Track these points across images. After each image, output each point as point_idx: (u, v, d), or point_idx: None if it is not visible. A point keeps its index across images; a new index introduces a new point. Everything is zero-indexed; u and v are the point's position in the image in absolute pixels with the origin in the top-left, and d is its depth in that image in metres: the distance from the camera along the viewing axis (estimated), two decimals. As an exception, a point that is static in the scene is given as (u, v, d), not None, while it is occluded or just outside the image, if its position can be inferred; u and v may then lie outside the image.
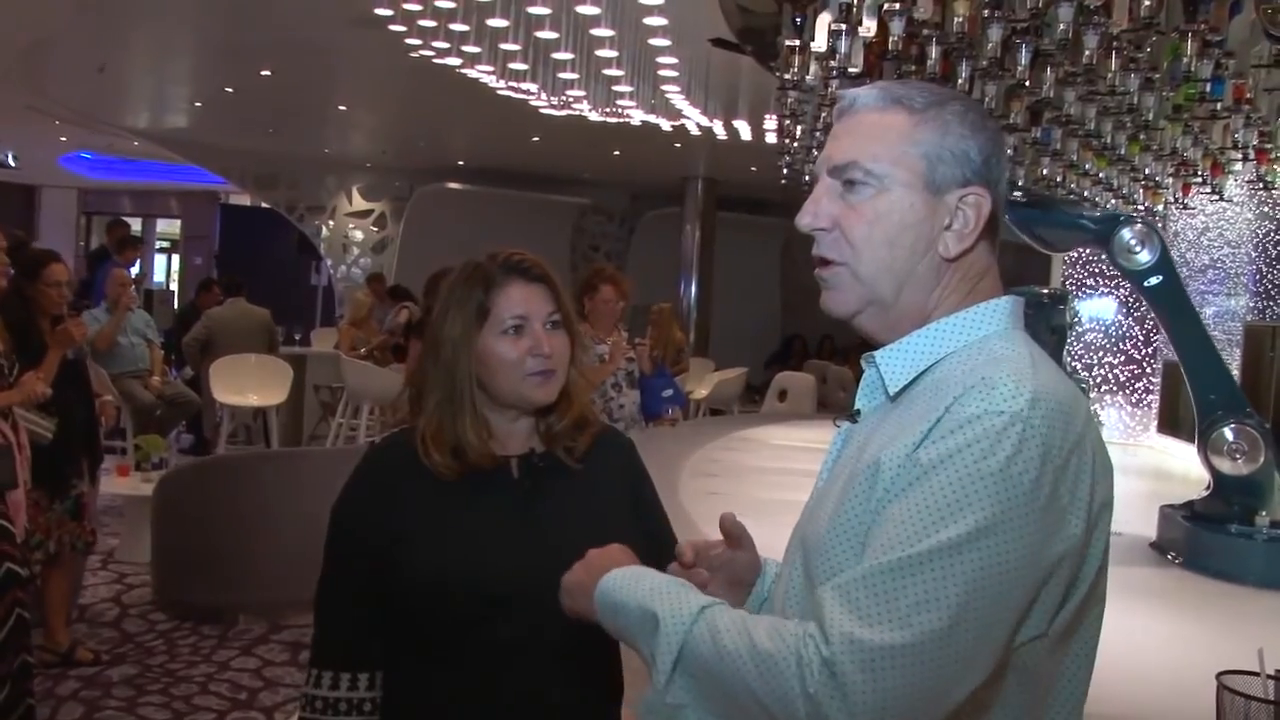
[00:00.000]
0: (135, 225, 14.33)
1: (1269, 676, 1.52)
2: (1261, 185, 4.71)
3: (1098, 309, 6.67)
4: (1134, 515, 3.43)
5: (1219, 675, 1.55)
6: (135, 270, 9.43)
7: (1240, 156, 4.22)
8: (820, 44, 3.05)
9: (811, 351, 14.30)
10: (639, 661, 1.93)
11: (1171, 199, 5.20)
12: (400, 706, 1.64)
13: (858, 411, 1.28)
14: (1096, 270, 6.69)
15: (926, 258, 1.19)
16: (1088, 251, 6.78)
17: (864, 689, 0.99)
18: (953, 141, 1.18)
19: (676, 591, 1.17)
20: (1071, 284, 6.74)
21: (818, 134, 4.37)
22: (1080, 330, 6.63)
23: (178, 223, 18.90)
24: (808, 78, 3.37)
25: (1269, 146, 4.09)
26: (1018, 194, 3.78)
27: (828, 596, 1.05)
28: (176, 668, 4.59)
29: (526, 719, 1.61)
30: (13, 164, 15.09)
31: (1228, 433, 3.24)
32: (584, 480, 1.70)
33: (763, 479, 4.31)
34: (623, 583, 1.22)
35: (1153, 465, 5.39)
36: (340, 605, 1.65)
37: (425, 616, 1.60)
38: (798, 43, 3.17)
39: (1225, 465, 3.27)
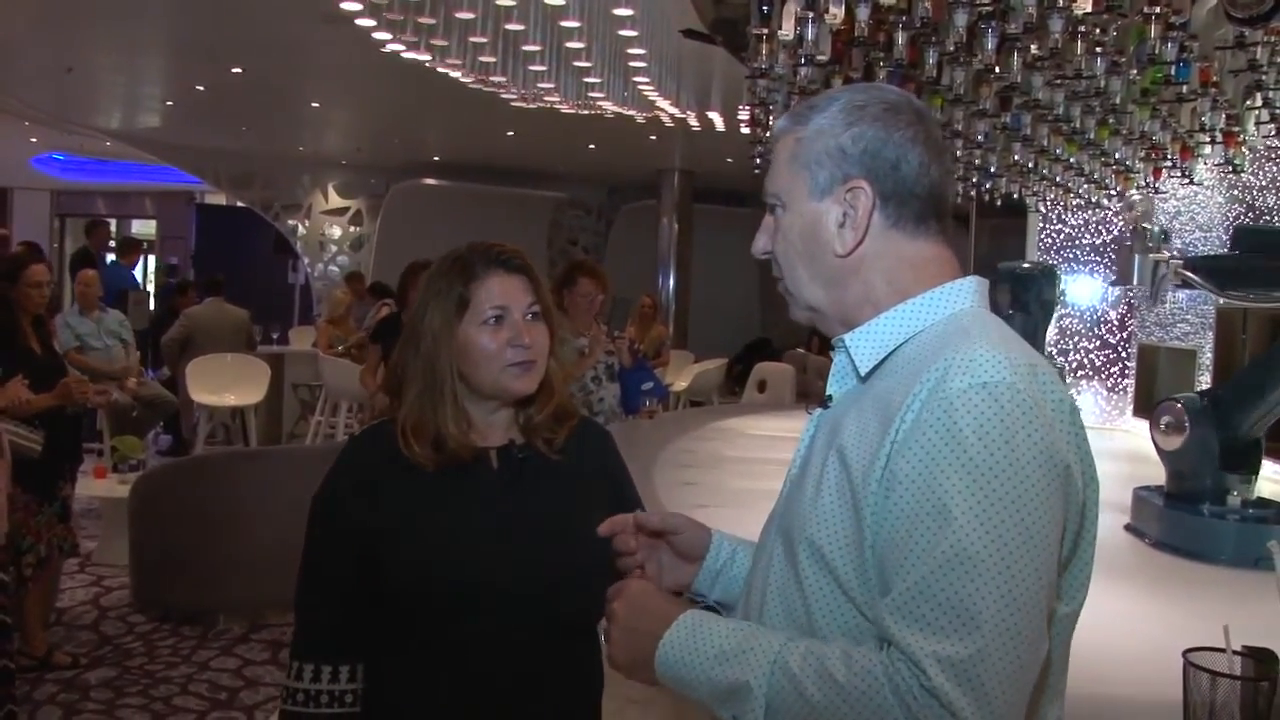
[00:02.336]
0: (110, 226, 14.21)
1: (1234, 653, 1.53)
2: (1231, 169, 4.73)
3: (1073, 294, 6.69)
4: (1110, 498, 3.45)
5: (1185, 653, 1.56)
6: (138, 271, 9.38)
7: (1208, 140, 4.24)
8: (788, 32, 3.06)
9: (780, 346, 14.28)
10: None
11: (1143, 183, 5.23)
12: (382, 698, 1.64)
13: (830, 397, 1.29)
14: (1071, 255, 6.72)
15: (830, 260, 1.24)
16: (1062, 236, 6.82)
17: (968, 702, 1.00)
18: (826, 142, 1.23)
19: (742, 650, 1.14)
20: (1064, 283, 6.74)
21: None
22: (1056, 315, 6.65)
23: (153, 223, 18.75)
24: (776, 66, 3.37)
25: (1236, 130, 4.11)
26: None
27: (891, 619, 1.05)
28: (156, 669, 4.57)
29: (509, 709, 1.61)
30: (-18, 166, 14.94)
31: (1161, 409, 3.29)
32: (563, 471, 1.70)
33: (738, 468, 4.31)
34: (682, 654, 1.18)
35: (1128, 449, 5.40)
36: (321, 597, 1.64)
37: (406, 608, 1.60)
38: (765, 31, 3.17)
39: (1160, 441, 3.33)
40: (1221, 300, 4.28)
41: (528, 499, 1.66)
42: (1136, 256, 4.87)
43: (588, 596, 1.66)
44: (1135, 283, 5.25)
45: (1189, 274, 3.81)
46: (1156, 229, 5.42)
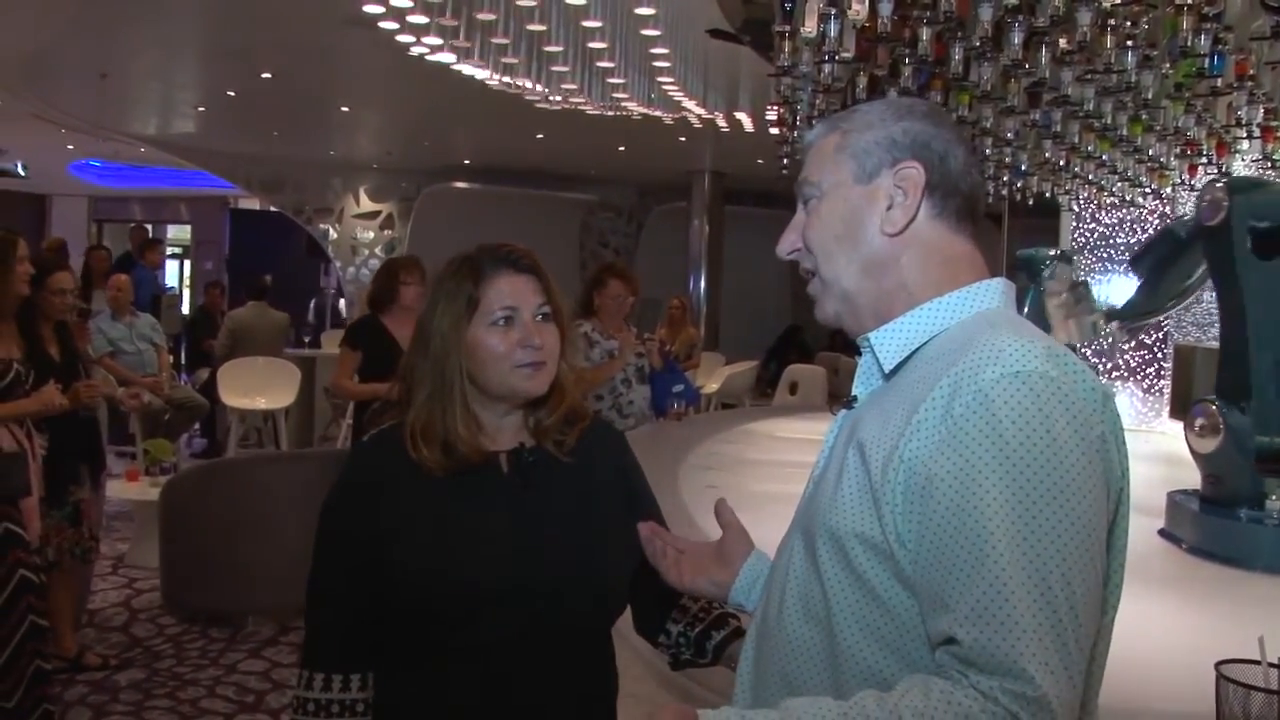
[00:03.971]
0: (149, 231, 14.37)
1: (1270, 665, 1.48)
2: (1269, 164, 4.64)
3: (1108, 294, 6.59)
4: (1144, 502, 3.38)
5: (1218, 664, 1.50)
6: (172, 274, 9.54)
7: (1245, 135, 4.16)
8: (810, 29, 3.01)
9: (813, 344, 14.22)
10: (631, 655, 1.90)
11: (1178, 180, 5.13)
12: (393, 706, 1.62)
13: (854, 398, 1.29)
14: (1105, 255, 6.62)
15: (875, 241, 1.24)
16: (1096, 235, 6.72)
17: (1058, 693, 1.00)
18: (876, 134, 1.25)
19: None
20: (1083, 272, 6.64)
21: (814, 122, 4.33)
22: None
23: (188, 228, 18.97)
24: (800, 64, 3.32)
25: (1275, 124, 4.02)
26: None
27: (972, 634, 1.02)
28: (184, 671, 4.59)
29: (522, 715, 1.58)
30: (22, 173, 15.16)
31: (1195, 411, 3.23)
32: (575, 474, 1.67)
33: (764, 471, 4.28)
34: None
35: (1165, 451, 5.30)
36: (331, 605, 1.62)
37: (417, 615, 1.58)
38: (788, 28, 3.13)
39: (1195, 444, 3.26)
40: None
41: (539, 502, 1.63)
42: (1072, 322, 4.70)
43: (601, 600, 1.64)
44: (1079, 345, 5.10)
45: (1123, 325, 3.86)
46: (1082, 285, 5.22)
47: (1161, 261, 3.90)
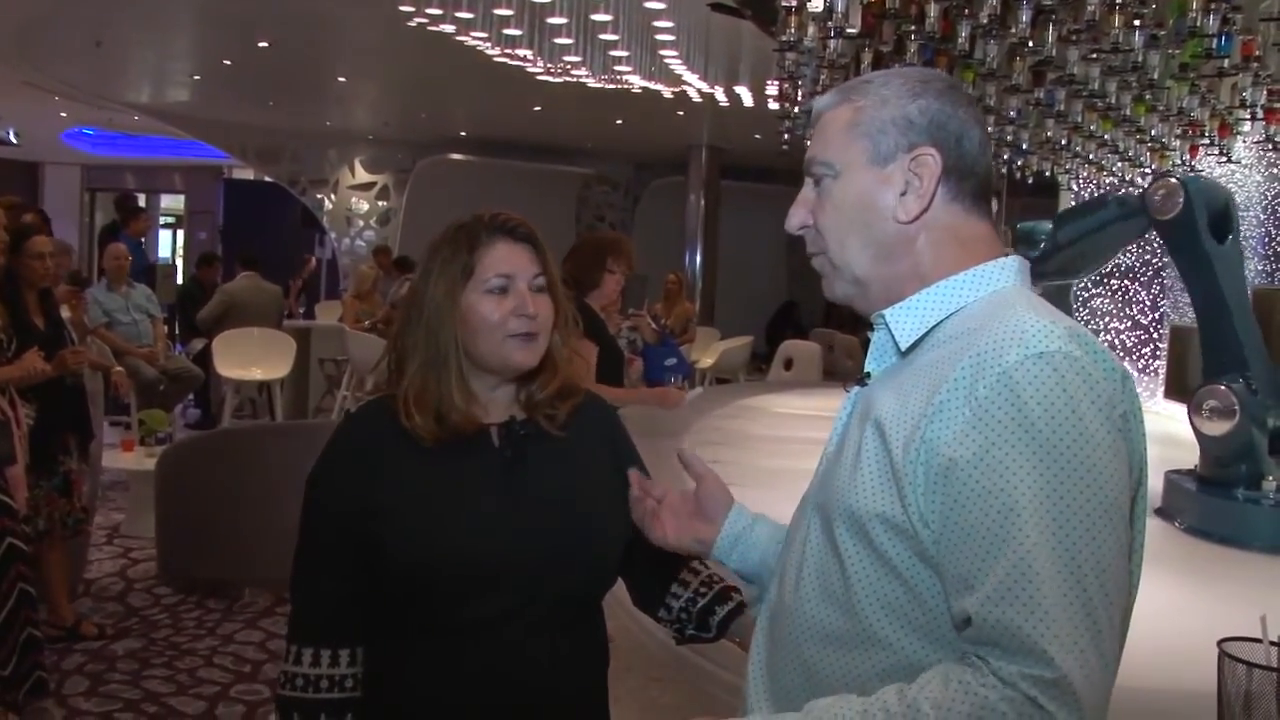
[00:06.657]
0: (139, 201, 14.29)
1: (1272, 643, 1.49)
2: (1271, 146, 4.63)
3: (1104, 274, 6.59)
4: (1141, 481, 3.38)
5: (1220, 642, 1.51)
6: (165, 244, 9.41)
7: (1249, 116, 4.15)
8: (817, 3, 2.99)
9: (807, 322, 14.23)
10: (626, 627, 1.90)
11: (1179, 161, 5.12)
12: (382, 682, 1.59)
13: (868, 375, 1.28)
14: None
15: (888, 228, 1.22)
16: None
17: (1095, 672, 0.99)
18: (891, 112, 1.21)
19: None
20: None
21: (818, 97, 4.31)
22: (1086, 296, 6.56)
23: (182, 198, 18.86)
24: (806, 39, 3.30)
25: (1278, 105, 4.01)
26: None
27: (994, 613, 1.01)
28: (181, 641, 4.60)
29: (512, 692, 1.57)
30: (15, 141, 15.04)
31: (1205, 393, 3.22)
32: (566, 448, 1.65)
33: (764, 447, 4.28)
34: None
35: (1161, 431, 5.31)
36: (318, 579, 1.60)
37: (405, 588, 1.56)
38: (794, 3, 3.10)
39: (1204, 426, 3.25)
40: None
41: (529, 476, 1.62)
42: None
43: (590, 573, 1.63)
44: None
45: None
46: None
47: (1088, 230, 3.88)
